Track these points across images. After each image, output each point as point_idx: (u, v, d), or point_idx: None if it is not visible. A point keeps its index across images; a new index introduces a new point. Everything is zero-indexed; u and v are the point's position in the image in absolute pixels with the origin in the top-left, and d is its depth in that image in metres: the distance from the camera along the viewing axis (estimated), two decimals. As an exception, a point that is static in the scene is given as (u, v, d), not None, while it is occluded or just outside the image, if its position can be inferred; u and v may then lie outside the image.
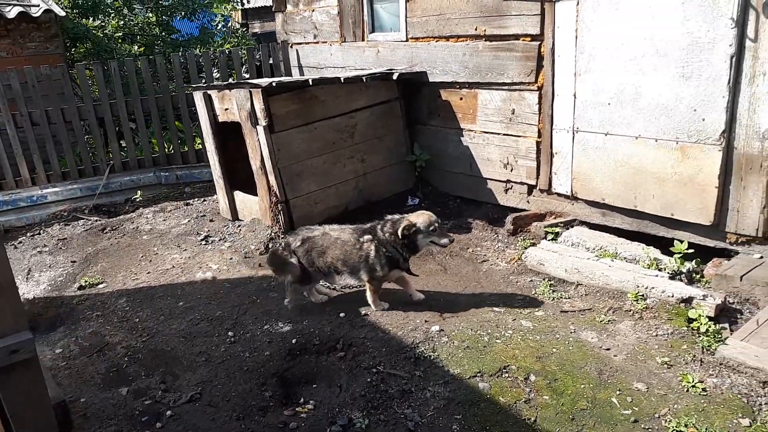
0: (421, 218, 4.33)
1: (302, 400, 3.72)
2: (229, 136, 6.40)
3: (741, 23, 4.20)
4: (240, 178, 6.50)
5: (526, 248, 5.31)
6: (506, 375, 3.62)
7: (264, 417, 3.56)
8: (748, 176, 4.45)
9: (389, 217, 4.52)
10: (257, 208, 6.23)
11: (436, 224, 4.30)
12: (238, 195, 6.58)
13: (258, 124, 5.71)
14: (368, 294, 4.48)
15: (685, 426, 3.10)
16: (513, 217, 5.88)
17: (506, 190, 6.29)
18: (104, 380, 4.02)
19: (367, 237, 4.45)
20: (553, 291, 4.64)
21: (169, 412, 3.64)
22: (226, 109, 6.22)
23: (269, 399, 3.71)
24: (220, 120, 6.42)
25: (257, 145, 5.81)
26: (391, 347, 3.98)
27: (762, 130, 4.28)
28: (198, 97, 6.56)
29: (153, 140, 8.84)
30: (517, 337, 3.94)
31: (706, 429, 3.07)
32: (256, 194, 6.22)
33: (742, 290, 4.30)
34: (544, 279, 4.83)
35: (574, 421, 3.24)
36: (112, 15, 12.80)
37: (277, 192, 5.83)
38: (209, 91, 6.41)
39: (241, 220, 6.63)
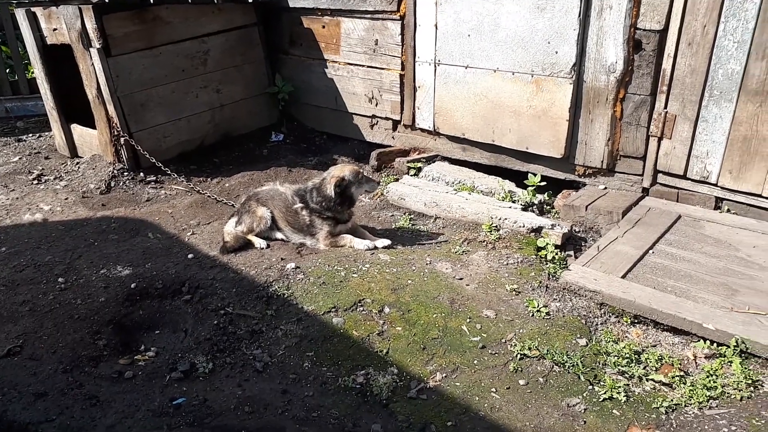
0: (346, 170, 4.17)
1: (143, 347, 3.42)
2: (64, 60, 5.62)
3: (593, -45, 4.23)
4: (81, 109, 5.76)
5: (389, 183, 5.22)
6: (361, 309, 3.53)
7: (96, 368, 3.22)
8: (596, 109, 4.61)
9: (310, 184, 4.27)
10: (97, 143, 5.60)
11: (362, 172, 4.24)
12: (76, 128, 5.87)
13: (91, 47, 5.04)
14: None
15: (529, 349, 3.19)
16: (377, 153, 5.75)
17: (372, 126, 6.14)
18: None
19: (299, 205, 4.22)
20: (413, 224, 4.60)
21: (-21, 371, 3.18)
22: (55, 30, 5.44)
23: (103, 348, 3.36)
24: (48, 42, 5.62)
25: (92, 70, 5.14)
26: (243, 287, 3.74)
27: (608, 63, 4.41)
28: (21, 16, 5.67)
29: (-27, 67, 7.65)
30: (373, 271, 3.85)
31: (548, 350, 3.18)
32: (95, 127, 5.57)
33: (587, 219, 4.51)
34: (404, 213, 4.78)
35: (425, 351, 3.23)
36: None
37: (118, 124, 5.24)
38: (33, 9, 5.55)
39: (80, 157, 5.95)
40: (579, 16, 4.34)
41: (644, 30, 4.24)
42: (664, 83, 4.31)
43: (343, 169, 4.19)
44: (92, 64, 5.12)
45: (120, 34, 5.12)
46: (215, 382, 3.08)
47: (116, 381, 3.11)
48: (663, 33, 4.20)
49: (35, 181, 5.59)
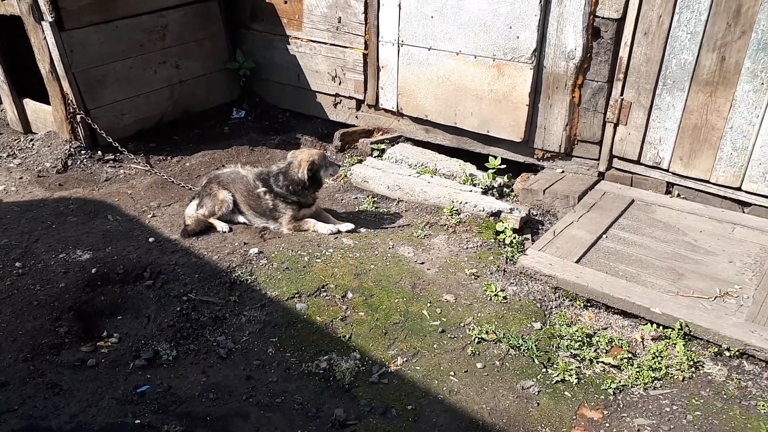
0: (314, 154, 4.19)
1: (105, 333, 3.42)
2: (16, 30, 5.38)
3: (555, -59, 4.27)
4: (35, 82, 5.53)
5: (353, 165, 5.24)
6: (324, 294, 3.59)
7: (57, 356, 3.21)
8: (555, 95, 4.70)
9: (275, 168, 4.28)
10: (52, 120, 5.44)
11: (327, 155, 4.38)
12: (29, 104, 5.68)
13: (43, 20, 4.85)
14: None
15: (486, 333, 3.31)
16: (341, 134, 5.74)
17: (335, 105, 6.11)
18: None
19: (262, 189, 4.21)
20: (376, 207, 4.66)
21: (-65, 362, 3.14)
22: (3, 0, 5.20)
23: (65, 335, 3.35)
24: (-3, 13, 5.38)
25: (44, 45, 4.96)
26: (205, 273, 3.75)
27: (567, 50, 4.49)
28: (-34, -17, 5.40)
29: None
30: (337, 256, 3.91)
31: (504, 334, 3.31)
32: (50, 103, 5.40)
33: (544, 203, 4.64)
34: (368, 196, 4.82)
35: (387, 335, 3.32)
36: None
37: (74, 101, 5.10)
38: (-21, -24, 5.29)
39: (34, 133, 5.76)
40: (540, 2, 4.39)
41: (603, 18, 4.32)
42: (620, 71, 4.42)
43: (311, 153, 4.19)
44: (44, 38, 4.94)
45: (74, 7, 4.94)
46: (179, 369, 3.12)
47: (79, 369, 3.12)
48: (621, 21, 4.29)
49: (-14, 159, 5.42)
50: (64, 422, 2.80)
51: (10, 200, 4.70)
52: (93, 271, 3.78)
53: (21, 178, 5.03)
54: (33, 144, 5.57)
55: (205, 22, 5.99)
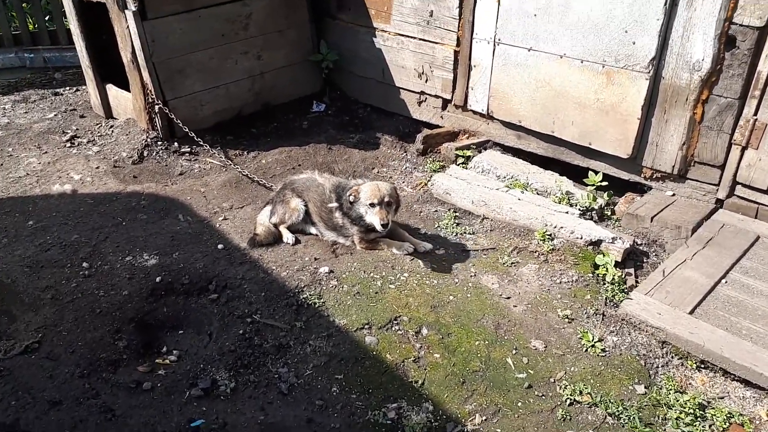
0: (366, 188, 3.72)
1: (165, 349, 3.23)
2: (102, 16, 5.31)
3: (690, -67, 3.66)
4: (119, 64, 5.44)
5: (435, 171, 4.86)
6: (396, 327, 3.25)
7: (114, 374, 3.05)
8: (672, 110, 4.11)
9: (353, 182, 3.90)
10: (132, 108, 5.35)
11: (377, 200, 3.63)
12: (111, 90, 5.62)
13: (126, 8, 4.71)
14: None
15: (580, 393, 2.88)
16: (423, 136, 5.35)
17: (420, 103, 5.72)
18: None
19: (334, 205, 3.88)
20: (458, 224, 4.25)
21: (-4, 367, 3.05)
22: (91, -14, 5.12)
23: (123, 350, 3.18)
24: (84, -1, 5.31)
25: (126, 33, 4.84)
26: (272, 291, 3.50)
27: (693, 60, 3.88)
28: (57, -34, 5.36)
29: (13, 13, 7.42)
30: (412, 281, 3.55)
31: (601, 397, 2.86)
32: (131, 90, 5.31)
33: (651, 231, 4.09)
34: (449, 210, 4.41)
35: (465, 385, 2.94)
36: None
37: (153, 91, 4.96)
38: (69, -40, 5.24)
39: (115, 119, 5.72)
40: (665, 4, 3.80)
41: (740, 25, 3.69)
42: (757, 87, 3.78)
43: (367, 185, 3.75)
44: (127, 27, 4.81)
45: (157, -5, 4.78)
46: (237, 403, 2.88)
47: (134, 392, 2.94)
48: (763, 30, 3.64)
49: (68, 144, 5.39)
50: (112, 456, 2.62)
51: (85, 191, 4.63)
52: (157, 279, 3.60)
53: (97, 167, 4.96)
54: (112, 131, 5.52)
55: (290, 10, 5.72)
